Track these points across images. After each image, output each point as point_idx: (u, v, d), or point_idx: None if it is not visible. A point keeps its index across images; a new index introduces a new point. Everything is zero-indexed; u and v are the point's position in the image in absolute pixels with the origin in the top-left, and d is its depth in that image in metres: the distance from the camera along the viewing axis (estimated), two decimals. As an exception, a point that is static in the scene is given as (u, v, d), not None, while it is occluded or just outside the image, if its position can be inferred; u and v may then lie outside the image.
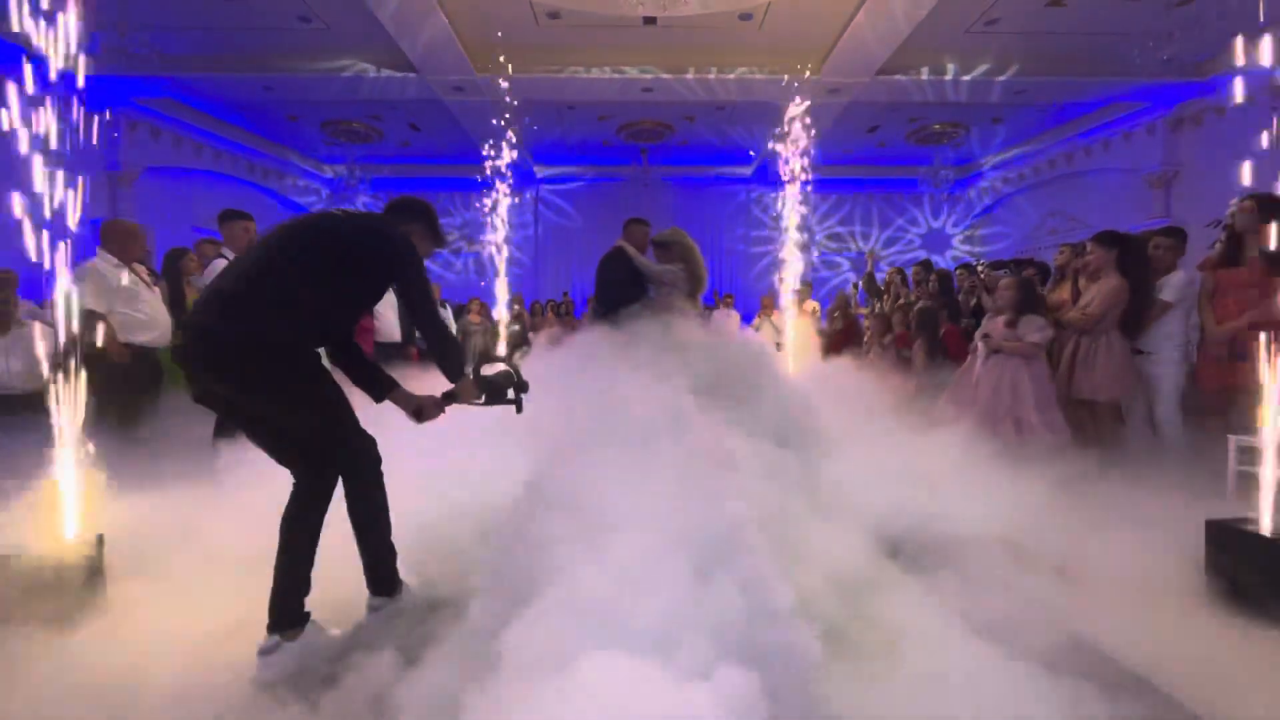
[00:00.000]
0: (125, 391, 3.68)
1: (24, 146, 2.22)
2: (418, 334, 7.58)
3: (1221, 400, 3.64)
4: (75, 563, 2.13)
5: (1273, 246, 2.63)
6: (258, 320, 1.84)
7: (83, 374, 2.29)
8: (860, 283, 8.20)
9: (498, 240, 7.00)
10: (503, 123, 6.96)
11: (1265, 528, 2.30)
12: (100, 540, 2.23)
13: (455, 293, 11.00)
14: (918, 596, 2.20)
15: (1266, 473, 2.34)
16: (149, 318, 3.85)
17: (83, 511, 2.25)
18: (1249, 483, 2.55)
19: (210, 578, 2.32)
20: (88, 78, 2.37)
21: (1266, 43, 2.45)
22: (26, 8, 2.23)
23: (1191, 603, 2.25)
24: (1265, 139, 2.45)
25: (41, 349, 2.37)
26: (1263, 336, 2.38)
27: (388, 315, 7.10)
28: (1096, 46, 7.41)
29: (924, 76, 8.01)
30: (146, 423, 3.82)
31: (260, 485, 2.58)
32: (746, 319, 9.87)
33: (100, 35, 6.30)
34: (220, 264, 4.07)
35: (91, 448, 2.32)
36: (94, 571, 2.18)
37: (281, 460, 2.05)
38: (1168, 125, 8.73)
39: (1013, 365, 3.94)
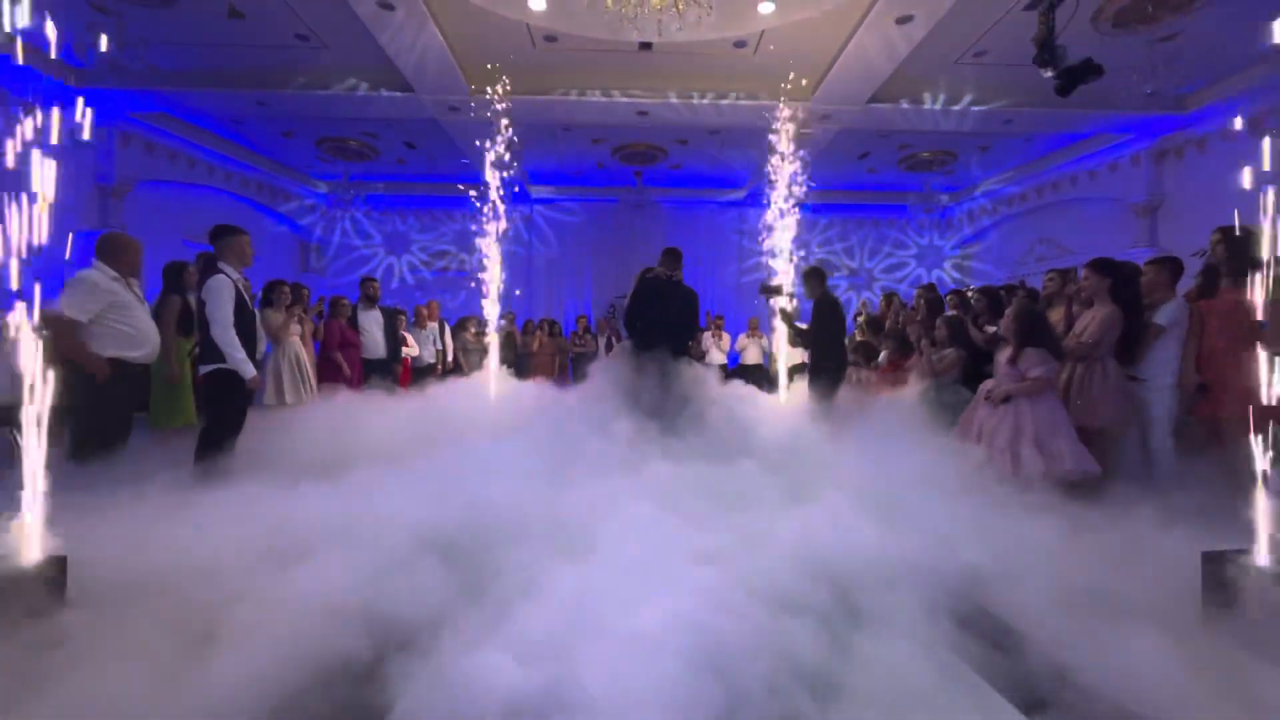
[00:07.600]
0: (108, 407, 3.59)
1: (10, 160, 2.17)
2: (404, 350, 7.55)
3: (1213, 428, 3.64)
4: (35, 585, 2.03)
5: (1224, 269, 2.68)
6: None
7: (50, 389, 2.21)
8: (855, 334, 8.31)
9: (491, 260, 6.98)
10: (498, 143, 6.99)
11: (1262, 559, 2.28)
12: (63, 563, 2.14)
13: (451, 311, 10.92)
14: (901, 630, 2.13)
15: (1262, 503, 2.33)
16: (139, 333, 3.78)
17: (47, 532, 2.16)
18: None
19: (173, 606, 2.19)
20: (83, 90, 2.35)
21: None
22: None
23: (1188, 635, 2.21)
24: (1245, 170, 2.48)
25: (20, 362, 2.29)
26: (1264, 360, 2.37)
27: (373, 332, 7.06)
28: (1082, 79, 7.58)
29: (916, 105, 8.15)
30: (126, 440, 3.72)
31: (234, 517, 2.50)
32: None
33: (95, 50, 6.29)
34: (220, 280, 3.99)
35: (62, 466, 2.23)
36: (55, 594, 2.09)
37: None
38: (1151, 156, 8.91)
39: (1015, 401, 3.81)
